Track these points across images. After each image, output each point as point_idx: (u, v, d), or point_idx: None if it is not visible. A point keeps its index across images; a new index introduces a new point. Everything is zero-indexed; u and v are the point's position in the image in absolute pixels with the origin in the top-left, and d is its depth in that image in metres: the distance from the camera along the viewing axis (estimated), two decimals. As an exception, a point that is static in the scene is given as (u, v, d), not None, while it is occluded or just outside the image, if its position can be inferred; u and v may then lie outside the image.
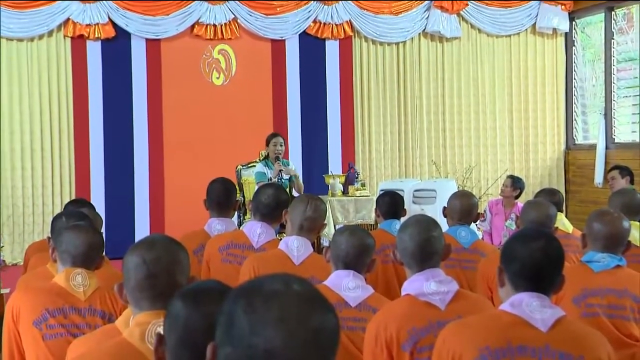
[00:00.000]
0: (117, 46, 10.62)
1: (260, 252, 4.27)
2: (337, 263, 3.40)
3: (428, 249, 3.16)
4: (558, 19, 11.86)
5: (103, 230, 4.63)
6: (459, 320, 2.80)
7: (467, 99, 11.88)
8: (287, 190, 7.89)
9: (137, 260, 2.48)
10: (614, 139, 11.18)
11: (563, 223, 5.22)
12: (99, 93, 10.57)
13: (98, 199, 10.02)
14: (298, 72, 11.28)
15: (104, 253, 3.57)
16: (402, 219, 4.84)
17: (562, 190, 11.40)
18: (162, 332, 2.06)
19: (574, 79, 12.14)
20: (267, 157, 8.52)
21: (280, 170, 8.20)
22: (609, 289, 3.56)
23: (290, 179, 8.35)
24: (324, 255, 3.51)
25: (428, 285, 3.08)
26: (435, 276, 3.11)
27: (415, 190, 9.43)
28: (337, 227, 8.96)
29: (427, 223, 3.25)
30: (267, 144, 8.44)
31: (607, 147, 11.07)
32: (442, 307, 3.04)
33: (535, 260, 2.67)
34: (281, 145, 8.38)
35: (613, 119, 11.21)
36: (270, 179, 8.06)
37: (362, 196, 9.46)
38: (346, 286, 3.31)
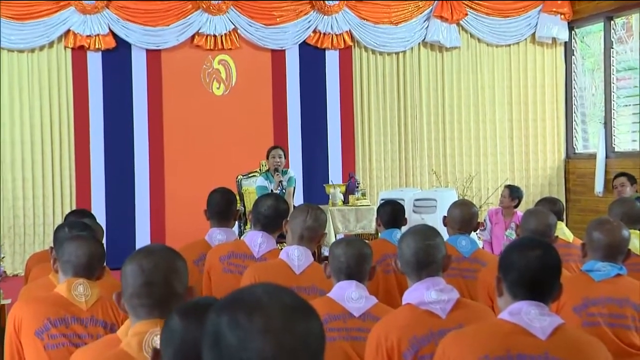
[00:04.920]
0: (117, 57, 10.64)
1: (261, 261, 4.28)
2: (338, 275, 3.41)
3: (424, 257, 3.17)
4: (557, 28, 11.88)
5: (104, 240, 4.64)
6: (458, 329, 2.81)
7: (467, 109, 11.89)
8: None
9: (135, 268, 2.51)
10: (614, 148, 11.18)
11: (564, 232, 5.22)
12: (99, 104, 10.59)
13: (99, 210, 10.03)
14: (298, 82, 11.29)
15: (105, 263, 3.58)
16: (403, 229, 4.85)
17: (563, 199, 11.39)
18: (158, 347, 2.07)
19: (574, 88, 12.15)
20: (268, 169, 8.59)
21: (281, 181, 8.26)
22: (610, 298, 3.56)
23: (282, 188, 8.38)
24: (324, 270, 3.52)
25: (429, 294, 3.09)
26: (435, 285, 3.12)
27: (416, 200, 9.43)
28: (337, 236, 8.97)
29: (425, 232, 3.27)
30: (267, 156, 8.54)
31: (607, 156, 11.07)
32: (442, 315, 3.05)
33: (532, 269, 2.68)
34: (280, 157, 8.46)
35: (613, 128, 11.22)
36: (272, 191, 8.08)
37: (363, 206, 9.47)
38: (349, 297, 3.32)
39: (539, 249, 2.73)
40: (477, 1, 11.75)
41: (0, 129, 10.19)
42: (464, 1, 11.66)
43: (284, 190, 8.28)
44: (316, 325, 1.48)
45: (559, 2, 11.79)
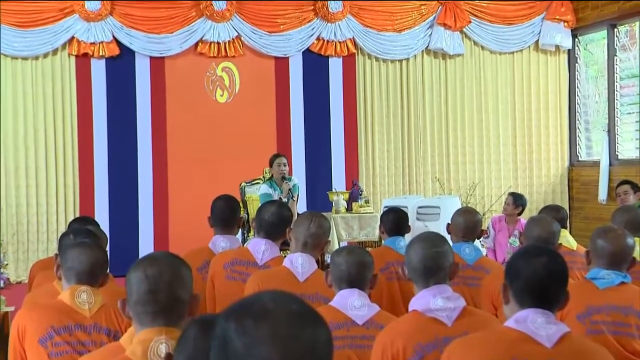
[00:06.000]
0: (121, 64, 10.66)
1: (265, 269, 4.27)
2: (339, 284, 3.41)
3: (432, 265, 3.17)
4: (561, 36, 11.88)
5: (107, 248, 4.65)
6: (464, 336, 2.81)
7: (471, 116, 11.89)
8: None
9: (139, 275, 2.51)
10: (617, 155, 11.18)
11: (567, 240, 5.22)
12: (103, 111, 10.60)
13: (102, 217, 10.01)
14: (301, 89, 11.30)
15: (108, 270, 3.58)
16: (407, 236, 4.84)
17: (566, 207, 11.35)
18: (162, 354, 2.09)
19: (577, 95, 12.15)
20: (271, 177, 8.57)
21: (290, 190, 8.25)
22: (614, 305, 3.55)
23: (291, 196, 8.35)
24: (325, 279, 3.52)
25: (435, 302, 3.08)
26: (442, 292, 3.12)
27: (419, 207, 9.41)
28: (341, 244, 8.96)
29: (433, 239, 3.27)
30: (271, 164, 8.52)
31: (610, 164, 11.07)
32: (448, 323, 3.05)
33: (539, 277, 2.68)
34: (285, 166, 8.44)
35: (616, 136, 11.22)
36: (280, 199, 8.07)
37: (366, 213, 9.47)
38: (352, 305, 3.32)
39: (545, 257, 2.73)
40: (480, 8, 11.76)
41: (4, 136, 10.21)
42: (468, 5, 11.66)
43: (292, 199, 8.26)
44: (323, 332, 1.48)
45: (563, 9, 11.80)
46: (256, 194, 8.94)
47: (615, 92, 11.25)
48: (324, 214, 4.48)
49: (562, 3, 11.81)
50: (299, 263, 3.97)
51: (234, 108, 11.04)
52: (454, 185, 11.76)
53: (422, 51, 11.73)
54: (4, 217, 10.17)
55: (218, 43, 10.87)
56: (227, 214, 4.80)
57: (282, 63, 11.26)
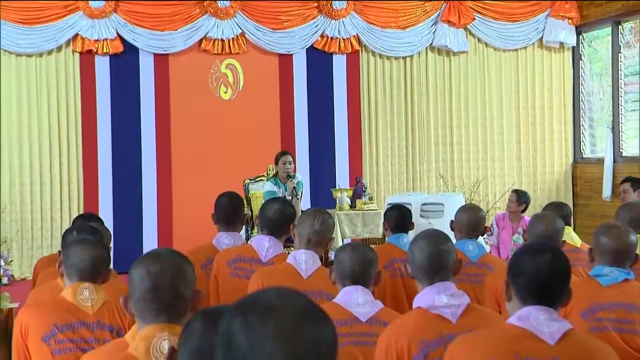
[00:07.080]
0: (125, 61, 10.66)
1: (269, 266, 4.28)
2: (343, 281, 3.41)
3: (437, 262, 3.17)
4: (565, 32, 11.86)
5: (111, 244, 4.65)
6: (467, 333, 2.81)
7: (475, 113, 11.88)
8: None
9: (142, 272, 2.52)
10: (621, 152, 11.16)
11: (571, 237, 5.21)
12: (107, 108, 10.61)
13: (106, 214, 10.03)
14: (305, 86, 11.30)
15: (110, 266, 3.58)
16: (410, 233, 4.84)
17: (570, 204, 11.31)
18: (165, 350, 2.09)
19: (581, 92, 12.13)
20: (276, 174, 8.57)
21: (294, 188, 8.25)
22: (618, 303, 3.55)
23: (295, 194, 8.36)
24: (329, 276, 3.52)
25: (439, 299, 3.08)
26: (446, 289, 3.12)
27: (423, 204, 9.41)
28: (344, 241, 8.96)
29: (437, 237, 3.27)
30: (276, 162, 8.52)
31: (614, 161, 11.04)
32: (453, 320, 3.04)
33: (542, 274, 2.68)
34: (290, 164, 8.46)
35: (620, 133, 11.19)
36: (284, 196, 8.07)
37: (370, 210, 9.46)
38: (355, 302, 3.32)
39: (548, 254, 2.73)
40: (484, 5, 11.75)
41: (8, 133, 10.22)
42: (472, 2, 11.65)
43: (297, 197, 8.26)
44: (329, 329, 1.48)
45: (567, 6, 11.79)
46: (260, 191, 8.95)
47: (620, 89, 11.23)
48: (328, 210, 4.46)
49: (566, 1, 11.79)
50: (303, 260, 3.98)
51: (238, 105, 11.04)
52: (458, 182, 11.75)
53: (426, 48, 11.72)
54: (8, 214, 10.19)
55: (222, 40, 10.87)
56: (230, 211, 4.80)
57: (285, 60, 11.26)
